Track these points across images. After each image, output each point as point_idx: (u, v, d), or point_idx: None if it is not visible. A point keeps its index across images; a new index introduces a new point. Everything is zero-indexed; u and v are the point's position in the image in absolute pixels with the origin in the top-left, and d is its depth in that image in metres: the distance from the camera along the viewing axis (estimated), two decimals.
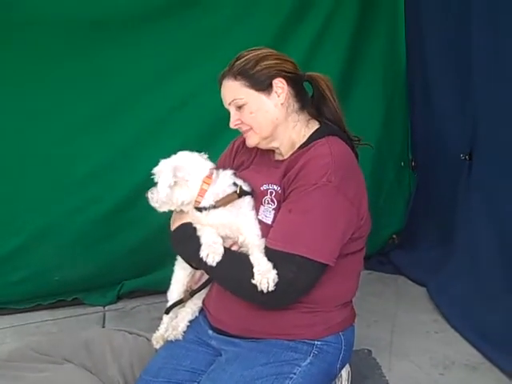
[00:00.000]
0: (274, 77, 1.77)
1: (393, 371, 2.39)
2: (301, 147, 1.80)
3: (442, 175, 3.24)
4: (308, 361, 1.77)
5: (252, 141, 1.84)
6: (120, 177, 3.12)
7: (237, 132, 2.04)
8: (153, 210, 3.13)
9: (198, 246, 1.70)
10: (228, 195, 1.78)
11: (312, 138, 1.79)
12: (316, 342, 1.80)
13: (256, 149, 1.92)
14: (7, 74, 2.92)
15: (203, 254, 1.68)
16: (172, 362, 1.89)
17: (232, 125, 1.83)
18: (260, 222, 1.76)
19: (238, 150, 2.01)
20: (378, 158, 3.49)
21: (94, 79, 3.02)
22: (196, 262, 1.77)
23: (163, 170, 1.76)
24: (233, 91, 1.78)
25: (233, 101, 1.79)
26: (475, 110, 2.78)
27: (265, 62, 1.76)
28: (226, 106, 1.83)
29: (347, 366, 2.03)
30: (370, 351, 2.46)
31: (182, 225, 1.82)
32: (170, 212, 1.89)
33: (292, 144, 1.83)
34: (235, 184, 1.80)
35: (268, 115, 1.78)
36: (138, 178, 3.09)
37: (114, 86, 3.07)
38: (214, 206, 1.77)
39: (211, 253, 1.68)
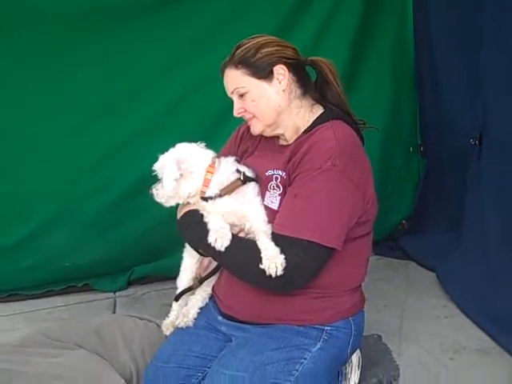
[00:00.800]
0: (275, 64, 1.75)
1: (403, 356, 2.39)
2: (305, 132, 1.79)
3: (451, 160, 3.21)
4: (318, 346, 1.77)
5: (256, 128, 1.83)
6: (128, 164, 3.13)
7: (240, 123, 2.04)
8: None
9: (206, 231, 1.70)
10: (232, 183, 1.78)
11: (316, 123, 1.78)
12: (326, 328, 1.80)
13: (260, 135, 1.90)
14: (20, 64, 2.92)
15: (211, 239, 1.68)
16: (182, 347, 1.90)
17: (235, 113, 1.82)
18: (266, 207, 1.76)
19: (243, 136, 2.00)
20: (386, 144, 3.48)
21: (100, 69, 3.03)
22: (204, 248, 1.77)
23: (167, 165, 1.76)
24: (234, 80, 1.77)
25: (235, 89, 1.78)
26: (485, 95, 2.75)
27: (265, 49, 1.75)
28: (229, 95, 1.82)
29: (357, 351, 2.04)
30: (380, 336, 2.46)
31: (189, 211, 1.82)
32: (177, 204, 1.89)
33: (296, 129, 1.82)
34: (238, 171, 1.80)
35: (270, 102, 1.77)
36: (146, 166, 3.06)
37: (121, 77, 3.07)
38: (220, 195, 1.77)
39: (219, 237, 1.67)
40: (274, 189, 1.76)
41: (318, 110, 1.83)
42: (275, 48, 1.77)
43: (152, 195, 1.82)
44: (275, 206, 1.75)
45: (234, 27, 3.07)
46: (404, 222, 3.72)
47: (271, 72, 1.75)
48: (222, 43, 2.97)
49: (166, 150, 1.82)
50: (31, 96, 2.98)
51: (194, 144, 1.84)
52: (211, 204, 1.77)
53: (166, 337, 2.00)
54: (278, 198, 1.75)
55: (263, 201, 1.78)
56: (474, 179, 2.86)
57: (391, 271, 3.33)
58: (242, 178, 1.77)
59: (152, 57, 3.08)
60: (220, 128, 2.90)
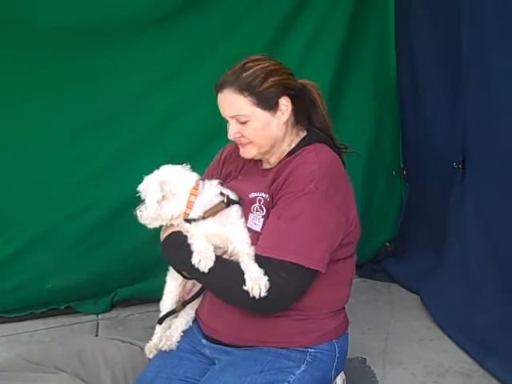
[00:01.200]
0: (281, 95, 1.76)
1: (387, 379, 2.39)
2: (288, 154, 1.81)
3: (434, 184, 3.24)
4: (302, 368, 1.77)
5: (249, 153, 1.82)
6: (113, 184, 3.12)
7: (226, 143, 2.05)
8: None
9: (190, 252, 1.70)
10: (216, 205, 1.78)
11: (300, 146, 1.80)
12: (310, 350, 1.80)
13: (243, 159, 1.91)
14: (6, 79, 2.92)
15: (195, 260, 1.68)
16: (165, 370, 1.88)
17: (231, 136, 1.79)
18: (249, 229, 1.77)
19: (226, 159, 2.01)
20: (368, 167, 3.51)
21: (89, 87, 3.03)
22: (187, 270, 1.77)
23: (150, 186, 1.76)
24: (237, 106, 1.74)
25: (236, 116, 1.75)
26: (466, 118, 2.78)
27: (272, 78, 1.73)
28: (225, 116, 1.79)
29: (342, 374, 2.03)
30: (364, 359, 2.45)
31: (173, 233, 1.82)
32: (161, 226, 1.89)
33: (282, 153, 1.84)
34: (222, 193, 1.80)
35: (271, 132, 1.78)
36: (131, 186, 3.05)
37: (109, 94, 3.08)
38: (203, 217, 1.77)
39: (203, 259, 1.67)
40: (257, 211, 1.77)
41: (302, 133, 1.85)
42: (281, 77, 1.76)
43: (136, 216, 1.82)
44: (258, 228, 1.75)
45: (222, 47, 3.11)
46: (387, 244, 3.74)
47: (276, 103, 1.76)
48: (209, 63, 3.05)
49: (152, 171, 1.82)
50: (16, 113, 2.97)
51: (178, 166, 1.85)
52: (194, 226, 1.77)
53: (149, 360, 1.98)
54: (262, 219, 1.75)
55: (246, 223, 1.78)
56: (457, 202, 2.88)
57: (375, 293, 3.34)
58: (225, 201, 1.78)
59: (140, 76, 3.09)
60: (207, 148, 2.90)
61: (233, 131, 1.78)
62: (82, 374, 2.10)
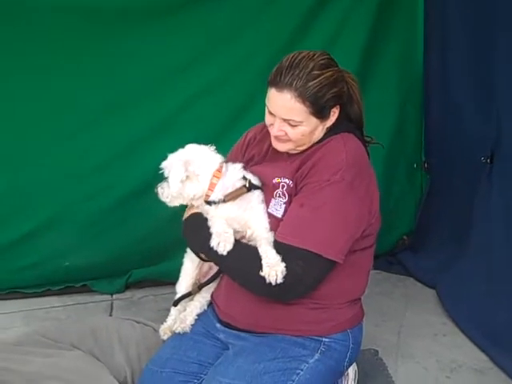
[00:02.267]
0: (335, 105, 1.75)
1: (399, 372, 2.38)
2: (316, 142, 1.79)
3: (458, 177, 3.18)
4: (315, 357, 1.77)
5: (286, 148, 1.80)
6: (131, 166, 3.12)
7: (248, 126, 2.03)
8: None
9: (209, 235, 1.71)
10: (237, 189, 1.78)
11: (328, 134, 1.79)
12: (324, 339, 1.80)
13: (268, 142, 1.90)
14: (22, 62, 2.91)
15: (214, 242, 1.68)
16: (179, 353, 1.90)
17: (275, 133, 1.76)
18: (270, 215, 1.76)
19: (250, 142, 2.01)
20: (389, 159, 3.47)
21: (107, 70, 3.01)
22: (206, 252, 1.77)
23: (174, 165, 1.76)
24: (294, 112, 1.70)
25: (288, 120, 1.71)
26: (499, 111, 2.70)
27: (333, 90, 1.71)
28: (275, 113, 1.73)
29: (354, 364, 2.03)
30: (376, 351, 2.45)
31: (194, 214, 1.82)
32: (181, 205, 1.89)
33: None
34: (244, 178, 1.80)
35: (315, 136, 1.78)
36: (149, 169, 3.05)
37: (128, 78, 3.05)
38: (224, 200, 1.77)
39: (222, 241, 1.67)
40: (279, 196, 1.77)
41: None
42: (340, 87, 1.73)
43: (157, 193, 1.82)
44: (279, 214, 1.75)
45: (245, 33, 3.08)
46: (405, 237, 3.70)
47: (329, 112, 1.75)
48: (235, 47, 3.03)
49: (175, 150, 1.82)
50: (34, 94, 2.96)
51: (203, 146, 1.84)
52: (214, 208, 1.77)
53: (163, 341, 2.00)
54: (283, 206, 1.75)
55: (268, 208, 1.78)
56: (483, 197, 2.81)
57: (390, 286, 3.31)
58: (247, 186, 1.77)
59: (162, 59, 3.06)
60: (228, 134, 2.88)
61: (278, 129, 1.75)
62: (97, 353, 2.12)
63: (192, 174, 1.76)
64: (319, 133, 1.78)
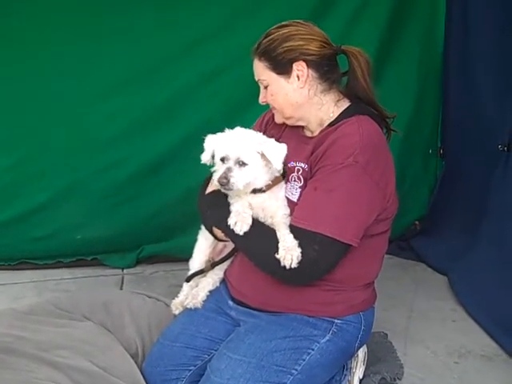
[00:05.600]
0: (295, 60, 1.73)
1: (408, 356, 2.38)
2: (330, 125, 1.77)
3: (473, 165, 3.16)
4: (327, 338, 1.77)
5: (277, 118, 1.87)
6: (147, 140, 3.12)
7: (266, 106, 2.02)
8: (177, 175, 3.14)
9: (228, 213, 1.70)
10: (276, 178, 1.76)
11: (341, 117, 1.76)
12: (336, 321, 1.80)
13: (285, 124, 1.90)
14: (45, 32, 2.92)
15: (231, 221, 1.67)
16: (191, 328, 1.91)
17: (260, 101, 1.85)
18: (286, 199, 1.76)
19: (268, 123, 1.99)
20: (405, 143, 3.43)
21: (126, 43, 3.02)
22: (222, 229, 1.77)
23: (251, 152, 1.69)
24: (257, 71, 1.80)
25: (258, 80, 1.81)
26: None
27: (287, 44, 1.72)
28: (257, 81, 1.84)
29: (364, 346, 2.04)
30: (386, 334, 2.45)
31: (215, 191, 1.81)
32: (197, 178, 1.87)
33: (320, 122, 1.80)
34: None
35: (287, 98, 1.77)
36: (165, 143, 3.11)
37: (146, 52, 3.05)
38: (264, 190, 1.75)
39: (239, 221, 1.66)
40: (295, 181, 1.76)
41: (344, 104, 1.81)
42: (298, 43, 1.73)
43: (223, 184, 1.67)
44: (295, 198, 1.74)
45: (265, 10, 3.05)
46: (417, 222, 3.69)
47: (291, 68, 1.74)
48: (254, 24, 2.95)
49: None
50: (55, 67, 2.97)
51: (260, 133, 1.81)
52: (251, 197, 1.74)
53: (174, 316, 2.01)
54: (299, 190, 1.75)
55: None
56: (500, 185, 2.79)
57: (400, 271, 3.31)
58: (282, 173, 1.77)
59: (181, 32, 3.06)
60: (246, 110, 2.87)
61: (261, 96, 1.83)
62: (108, 325, 2.13)
63: (266, 161, 1.71)
64: (294, 94, 1.76)
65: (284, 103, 1.77)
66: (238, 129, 1.76)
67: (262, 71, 1.77)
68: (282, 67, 1.74)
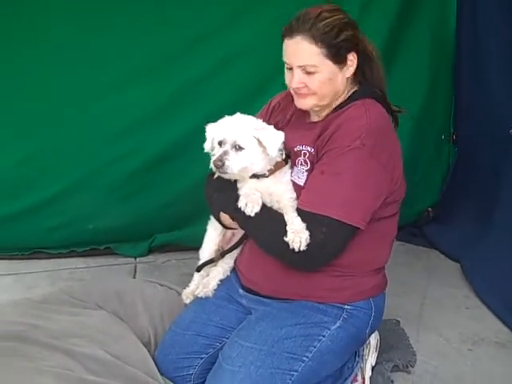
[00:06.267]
0: (350, 50, 1.72)
1: (420, 343, 2.37)
2: (337, 108, 1.77)
3: (486, 150, 3.13)
4: (337, 324, 1.77)
5: (308, 104, 1.78)
6: (159, 130, 3.12)
7: (275, 93, 2.00)
8: (188, 165, 3.14)
9: (236, 196, 1.70)
10: (277, 163, 1.76)
11: (349, 100, 1.76)
12: (346, 307, 1.80)
13: (292, 109, 1.89)
14: (58, 23, 2.93)
15: (242, 203, 1.67)
16: (202, 316, 1.93)
17: (295, 84, 1.73)
18: (292, 182, 1.76)
19: (274, 109, 1.98)
20: (417, 130, 3.42)
21: (137, 34, 3.01)
22: (230, 213, 1.77)
23: (247, 136, 1.69)
24: (309, 56, 1.68)
25: (304, 65, 1.70)
26: None
27: (346, 32, 1.69)
28: (291, 64, 1.72)
29: (376, 333, 2.03)
30: (398, 321, 2.44)
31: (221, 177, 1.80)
32: (208, 168, 1.87)
33: (330, 105, 1.80)
34: (279, 150, 1.76)
35: (335, 86, 1.74)
36: (177, 133, 3.11)
37: (158, 43, 3.04)
38: (266, 176, 1.75)
39: (250, 202, 1.66)
40: (301, 164, 1.76)
41: (353, 87, 1.80)
42: (353, 32, 1.71)
43: (218, 166, 1.68)
44: (301, 182, 1.74)
45: (267, 6, 3.02)
46: (430, 209, 3.67)
47: (345, 58, 1.72)
48: (262, 14, 2.99)
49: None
50: (69, 57, 2.97)
51: (259, 120, 1.80)
52: (255, 182, 1.75)
53: (186, 305, 2.02)
54: (305, 174, 1.74)
55: (291, 176, 1.77)
56: (511, 171, 2.77)
57: (413, 258, 3.30)
58: (284, 158, 1.76)
59: (192, 23, 3.04)
60: (255, 99, 2.82)
61: (298, 81, 1.72)
62: (121, 314, 2.15)
63: (263, 147, 1.71)
64: (340, 83, 1.74)
65: (330, 91, 1.74)
66: (237, 114, 1.77)
67: (316, 57, 1.68)
68: (340, 56, 1.70)
